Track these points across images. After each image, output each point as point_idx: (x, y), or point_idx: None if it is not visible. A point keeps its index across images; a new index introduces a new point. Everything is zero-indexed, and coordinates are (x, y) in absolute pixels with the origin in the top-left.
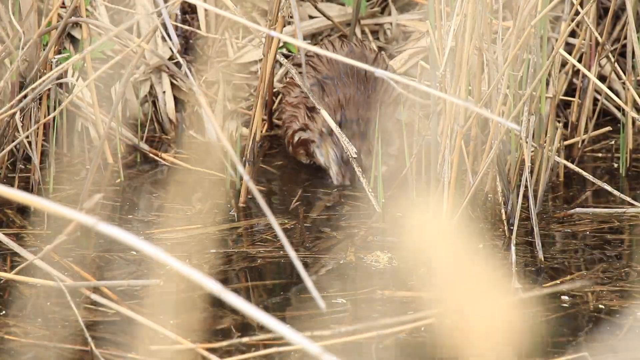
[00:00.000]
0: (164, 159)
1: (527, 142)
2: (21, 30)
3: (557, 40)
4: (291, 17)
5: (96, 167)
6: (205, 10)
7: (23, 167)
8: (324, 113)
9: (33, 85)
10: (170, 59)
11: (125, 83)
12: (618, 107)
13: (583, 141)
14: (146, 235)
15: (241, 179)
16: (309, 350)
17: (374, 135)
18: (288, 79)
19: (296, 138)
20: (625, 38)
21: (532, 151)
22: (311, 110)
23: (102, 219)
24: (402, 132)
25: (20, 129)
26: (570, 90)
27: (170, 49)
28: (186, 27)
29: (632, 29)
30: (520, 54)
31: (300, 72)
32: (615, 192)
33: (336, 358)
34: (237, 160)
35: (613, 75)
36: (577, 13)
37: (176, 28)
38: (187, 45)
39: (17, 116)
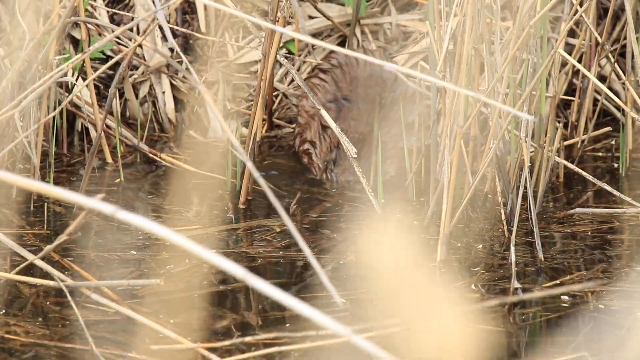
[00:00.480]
0: (164, 159)
1: (526, 142)
2: (25, 28)
3: (557, 40)
4: (292, 17)
5: (91, 164)
6: (205, 9)
7: (22, 167)
8: (323, 113)
9: (34, 86)
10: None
11: (118, 80)
12: (618, 107)
13: (583, 141)
14: (146, 235)
15: (242, 179)
16: (354, 343)
17: (369, 157)
18: (310, 81)
19: (305, 147)
20: (625, 38)
21: (531, 151)
22: (324, 128)
23: (100, 219)
24: (403, 156)
25: (19, 129)
26: (570, 91)
27: (170, 49)
28: (183, 29)
29: (631, 29)
30: (519, 54)
31: (321, 79)
32: (616, 193)
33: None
34: (245, 157)
35: (613, 76)
36: (577, 13)
37: (176, 23)
38: (187, 45)
39: (17, 116)
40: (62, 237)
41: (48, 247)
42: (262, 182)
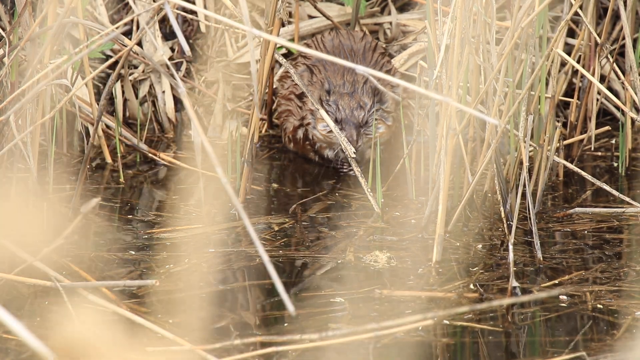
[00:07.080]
0: (163, 159)
1: (525, 142)
2: (20, 30)
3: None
4: (289, 18)
5: (87, 162)
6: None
7: (22, 166)
8: (323, 113)
9: (24, 87)
10: (171, 59)
11: (114, 79)
12: (617, 107)
13: (582, 141)
14: (147, 234)
15: (240, 177)
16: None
17: (363, 93)
18: (282, 73)
19: (299, 134)
20: (624, 38)
21: (531, 151)
22: (300, 97)
23: (102, 219)
24: (391, 89)
25: (14, 130)
26: (570, 90)
27: (171, 48)
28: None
29: (628, 34)
30: (518, 54)
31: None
32: (615, 192)
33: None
34: (217, 161)
35: (612, 75)
36: (576, 14)
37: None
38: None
39: (12, 118)
40: (59, 241)
41: (46, 250)
42: (230, 190)
